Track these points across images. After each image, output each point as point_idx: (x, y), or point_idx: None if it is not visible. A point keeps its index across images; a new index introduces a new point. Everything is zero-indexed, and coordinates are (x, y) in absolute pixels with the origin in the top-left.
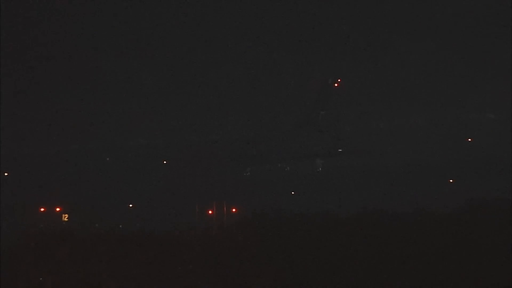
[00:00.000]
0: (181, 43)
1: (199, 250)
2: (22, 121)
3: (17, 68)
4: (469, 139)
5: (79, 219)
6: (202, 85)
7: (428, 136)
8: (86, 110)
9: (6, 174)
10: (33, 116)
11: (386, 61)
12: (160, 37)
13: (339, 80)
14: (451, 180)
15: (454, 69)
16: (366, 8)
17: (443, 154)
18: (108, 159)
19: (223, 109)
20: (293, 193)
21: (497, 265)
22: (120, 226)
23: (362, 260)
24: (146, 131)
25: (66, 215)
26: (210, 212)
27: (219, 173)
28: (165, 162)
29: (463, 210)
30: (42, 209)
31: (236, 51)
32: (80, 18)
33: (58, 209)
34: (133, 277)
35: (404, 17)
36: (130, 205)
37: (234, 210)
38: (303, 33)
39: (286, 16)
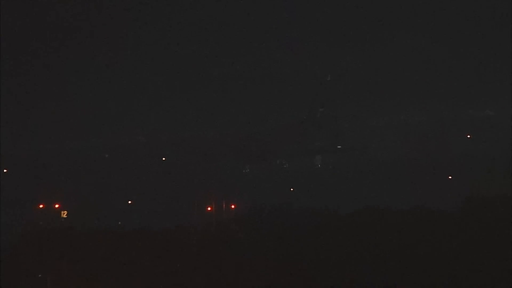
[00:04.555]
0: (180, 40)
1: (198, 247)
2: (21, 118)
3: (17, 66)
4: (468, 136)
5: (78, 216)
6: (201, 83)
7: (428, 133)
8: (85, 107)
9: (5, 171)
10: (32, 113)
11: (386, 57)
12: (159, 35)
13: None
14: (450, 177)
15: (454, 66)
16: (364, 4)
17: (442, 151)
18: (107, 156)
19: (221, 106)
20: (292, 189)
21: (497, 263)
22: (119, 222)
23: (361, 256)
24: (145, 128)
25: (65, 212)
26: (209, 208)
27: (218, 170)
28: (164, 159)
29: (462, 207)
30: (41, 206)
31: (235, 48)
32: (80, 16)
33: (57, 206)
34: (132, 273)
35: (401, 13)
36: (129, 202)
37: (233, 206)
38: (300, 30)
39: (284, 13)
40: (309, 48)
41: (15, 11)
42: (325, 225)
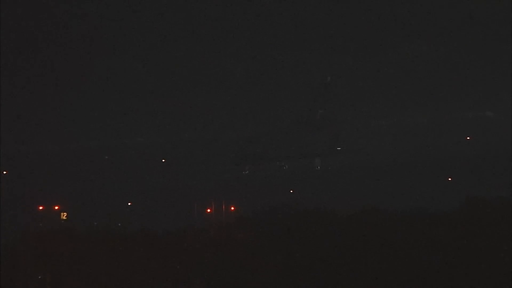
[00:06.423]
0: (180, 42)
1: (198, 248)
2: (21, 120)
3: (17, 67)
4: (468, 138)
5: (78, 218)
6: (201, 85)
7: (427, 135)
8: (85, 109)
9: (5, 172)
10: (32, 115)
11: (385, 59)
12: (160, 37)
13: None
14: (449, 178)
15: (453, 68)
16: (365, 7)
17: (442, 152)
18: (107, 157)
19: (222, 108)
20: (291, 191)
21: (496, 264)
22: (119, 224)
23: (360, 258)
24: (145, 130)
25: (65, 213)
26: (208, 210)
27: (218, 172)
28: (163, 160)
29: (462, 208)
30: (41, 208)
31: (235, 51)
32: (80, 18)
33: (56, 208)
34: (131, 275)
35: (402, 16)
36: (129, 204)
37: (232, 208)
38: (301, 33)
39: (284, 15)
40: (309, 50)
41: (16, 11)
42: (325, 227)
